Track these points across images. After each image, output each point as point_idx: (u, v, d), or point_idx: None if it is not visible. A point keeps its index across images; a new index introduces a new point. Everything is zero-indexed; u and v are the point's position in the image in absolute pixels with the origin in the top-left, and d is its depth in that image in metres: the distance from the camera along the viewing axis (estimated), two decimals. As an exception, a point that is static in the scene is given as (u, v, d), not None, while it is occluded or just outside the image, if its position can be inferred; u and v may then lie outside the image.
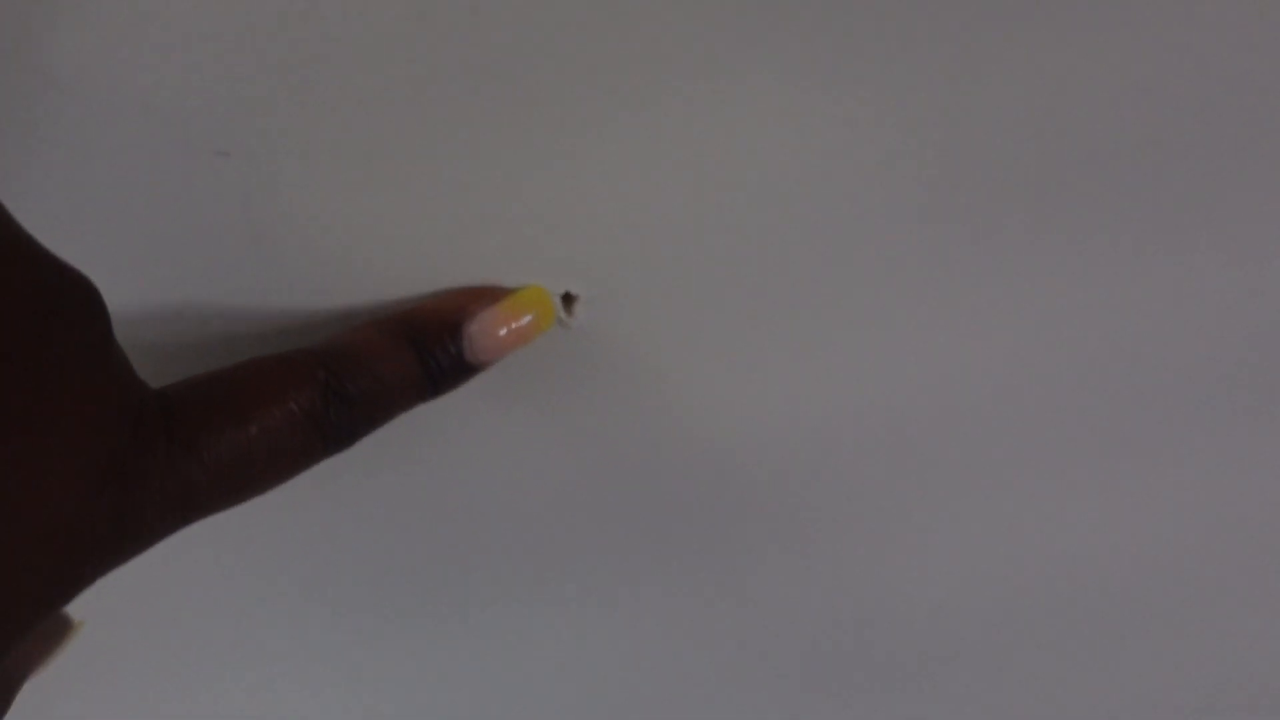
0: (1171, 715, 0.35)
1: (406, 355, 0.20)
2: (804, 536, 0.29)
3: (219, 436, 0.17)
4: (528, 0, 0.19)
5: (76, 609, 0.20)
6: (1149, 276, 0.24)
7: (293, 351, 0.19)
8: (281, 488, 0.19)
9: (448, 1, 0.19)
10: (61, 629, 0.23)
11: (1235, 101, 0.21)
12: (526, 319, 0.22)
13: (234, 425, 0.17)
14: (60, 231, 0.16)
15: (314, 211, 0.21)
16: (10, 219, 0.15)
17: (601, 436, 0.26)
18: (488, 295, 0.22)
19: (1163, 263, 0.24)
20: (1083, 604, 0.32)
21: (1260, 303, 0.25)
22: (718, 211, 0.23)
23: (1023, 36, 0.20)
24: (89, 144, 0.19)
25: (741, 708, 0.33)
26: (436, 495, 0.27)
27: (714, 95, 0.20)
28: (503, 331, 0.22)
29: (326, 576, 0.29)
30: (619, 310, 0.24)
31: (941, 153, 0.22)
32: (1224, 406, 0.27)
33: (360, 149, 0.20)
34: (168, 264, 0.21)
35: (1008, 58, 0.20)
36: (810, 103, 0.21)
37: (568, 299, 0.24)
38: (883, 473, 0.28)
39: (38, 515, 0.15)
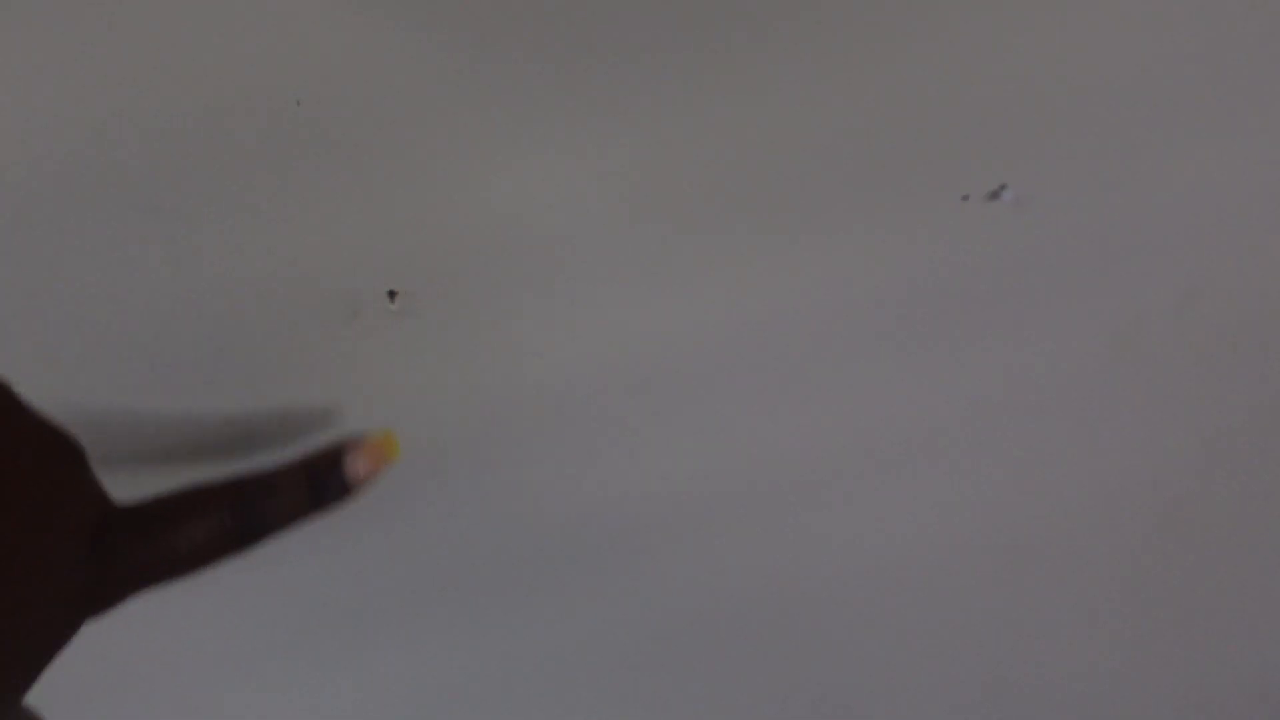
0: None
1: (302, 486, 0.27)
2: (569, 442, 0.37)
3: (161, 536, 0.24)
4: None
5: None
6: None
7: (217, 480, 0.26)
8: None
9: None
10: None
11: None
12: (383, 452, 0.29)
13: (172, 529, 0.25)
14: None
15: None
16: (19, 399, 0.22)
17: (421, 388, 0.34)
18: (359, 441, 0.29)
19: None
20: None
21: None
22: (496, 226, 0.31)
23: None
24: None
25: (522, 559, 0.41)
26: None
27: (492, 137, 0.29)
28: (368, 461, 0.28)
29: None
30: (428, 300, 0.32)
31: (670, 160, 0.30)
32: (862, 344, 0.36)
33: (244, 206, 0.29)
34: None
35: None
36: (568, 137, 0.29)
37: (391, 294, 0.31)
38: (633, 396, 0.36)
39: (48, 582, 0.22)
